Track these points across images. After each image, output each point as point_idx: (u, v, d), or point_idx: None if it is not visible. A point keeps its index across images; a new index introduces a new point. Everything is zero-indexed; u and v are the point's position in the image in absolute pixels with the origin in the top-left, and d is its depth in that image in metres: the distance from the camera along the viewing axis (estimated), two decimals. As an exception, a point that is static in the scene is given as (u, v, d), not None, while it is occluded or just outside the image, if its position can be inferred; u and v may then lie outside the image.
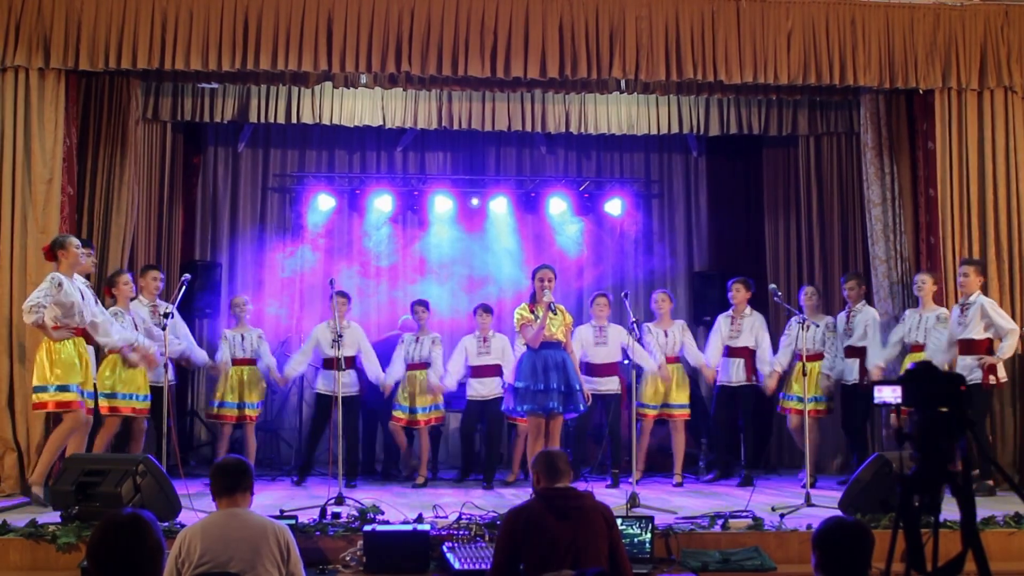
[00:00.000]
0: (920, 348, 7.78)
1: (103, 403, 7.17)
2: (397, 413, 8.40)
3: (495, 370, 8.34)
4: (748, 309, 8.40)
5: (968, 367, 7.37)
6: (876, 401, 2.91)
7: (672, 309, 8.57)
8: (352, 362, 8.29)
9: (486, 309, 8.55)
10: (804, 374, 7.16)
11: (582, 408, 7.21)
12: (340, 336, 7.20)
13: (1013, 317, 7.91)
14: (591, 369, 8.17)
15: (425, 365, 8.39)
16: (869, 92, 8.52)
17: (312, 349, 8.43)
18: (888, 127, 8.64)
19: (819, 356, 8.26)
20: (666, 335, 8.41)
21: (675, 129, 9.48)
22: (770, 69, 7.93)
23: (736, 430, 8.49)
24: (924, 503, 2.73)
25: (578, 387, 7.06)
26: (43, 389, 6.63)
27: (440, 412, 8.52)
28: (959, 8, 8.14)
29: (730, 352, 8.37)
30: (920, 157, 8.49)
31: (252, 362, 8.36)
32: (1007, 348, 7.41)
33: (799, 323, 7.70)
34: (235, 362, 8.32)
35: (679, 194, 11.07)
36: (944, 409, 2.76)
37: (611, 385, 8.25)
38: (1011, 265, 8.05)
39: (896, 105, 8.65)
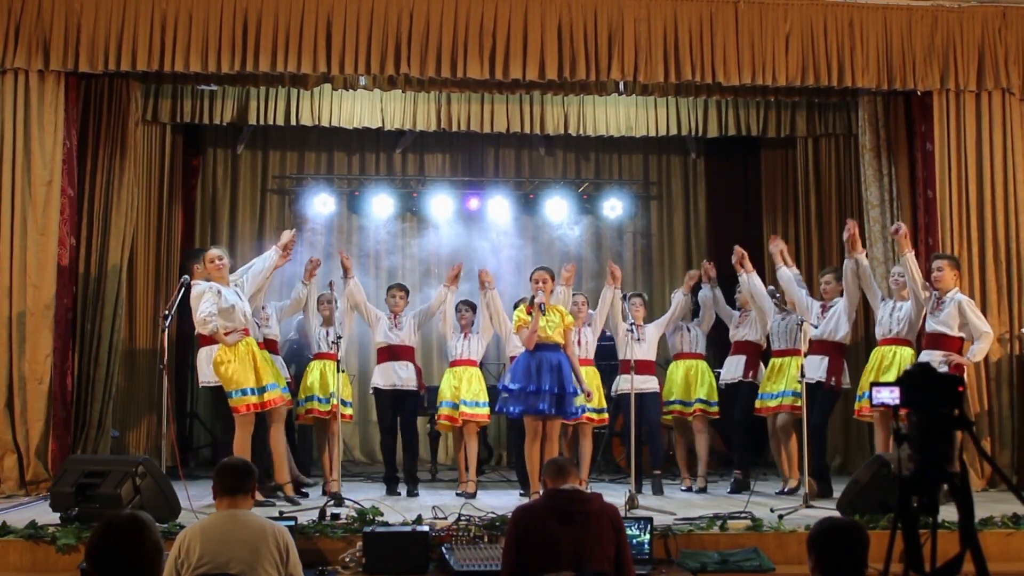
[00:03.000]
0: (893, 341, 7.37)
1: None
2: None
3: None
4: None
5: (934, 363, 6.91)
6: (874, 403, 2.91)
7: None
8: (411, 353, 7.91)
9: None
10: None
11: (574, 411, 7.14)
12: (339, 337, 7.20)
13: (1011, 317, 7.93)
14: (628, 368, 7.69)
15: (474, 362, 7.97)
16: (867, 94, 8.54)
17: (371, 313, 7.88)
18: (886, 129, 8.66)
19: (795, 352, 7.68)
20: (688, 330, 8.28)
21: (673, 131, 9.50)
22: (768, 71, 7.94)
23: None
24: (922, 504, 2.74)
25: (572, 390, 6.98)
26: (244, 392, 6.76)
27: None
28: (957, 10, 8.16)
29: (734, 348, 8.19)
30: (919, 159, 8.50)
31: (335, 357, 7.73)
32: (979, 351, 7.11)
33: (798, 322, 7.66)
34: (319, 356, 7.85)
35: (678, 196, 11.09)
36: (942, 410, 2.78)
37: (649, 384, 7.97)
38: (1009, 266, 8.05)
39: (894, 107, 8.66)
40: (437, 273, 10.31)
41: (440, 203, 10.31)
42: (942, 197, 8.14)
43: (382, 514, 6.02)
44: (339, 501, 6.51)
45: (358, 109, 9.17)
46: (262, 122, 9.17)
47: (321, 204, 10.24)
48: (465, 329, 8.10)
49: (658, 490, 7.73)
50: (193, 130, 9.96)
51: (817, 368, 7.34)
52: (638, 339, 7.58)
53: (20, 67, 7.54)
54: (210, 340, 6.84)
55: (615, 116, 9.39)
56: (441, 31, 7.72)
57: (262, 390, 6.82)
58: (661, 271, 11.02)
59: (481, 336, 7.93)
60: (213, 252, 7.03)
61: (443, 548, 5.36)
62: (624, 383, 7.69)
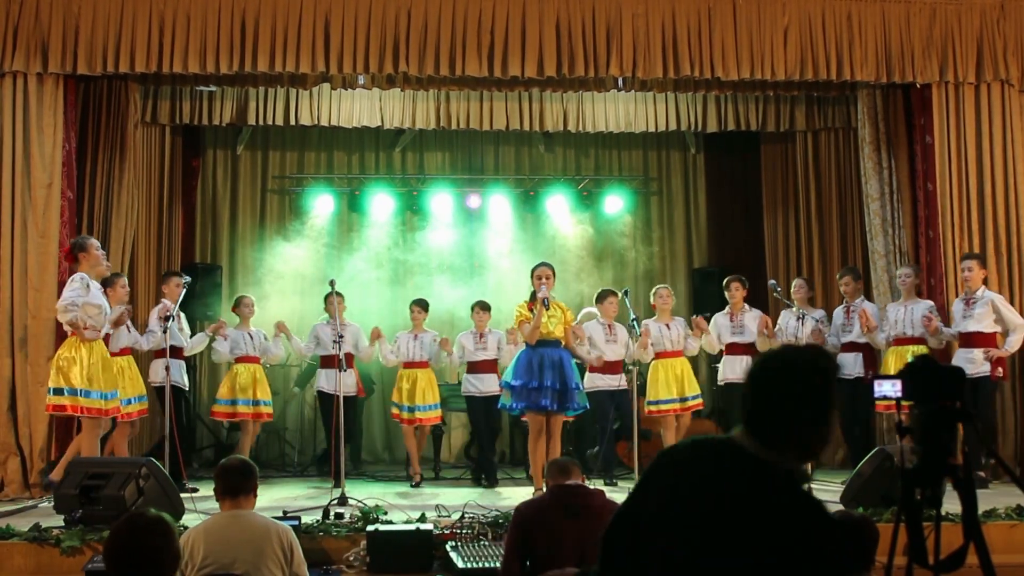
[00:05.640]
0: (908, 341, 7.72)
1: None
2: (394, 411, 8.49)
3: (491, 366, 8.31)
4: (746, 306, 8.37)
5: (974, 360, 7.40)
6: (876, 395, 2.91)
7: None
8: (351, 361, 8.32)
9: (483, 306, 8.52)
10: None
11: (576, 406, 7.16)
12: (341, 336, 7.23)
13: (1013, 310, 7.94)
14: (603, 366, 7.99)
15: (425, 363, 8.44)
16: (866, 87, 8.53)
17: (310, 343, 8.57)
18: (885, 122, 8.64)
19: None
20: (668, 328, 8.37)
21: (673, 126, 9.50)
22: (767, 65, 7.93)
23: None
24: (925, 496, 2.73)
25: (574, 385, 7.01)
26: (77, 393, 6.64)
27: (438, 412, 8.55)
28: (955, 2, 8.14)
29: (731, 349, 8.29)
30: (918, 151, 8.48)
31: (258, 360, 8.45)
32: (1015, 342, 7.52)
33: (797, 317, 7.69)
34: (240, 360, 8.36)
35: (678, 191, 11.09)
36: (945, 402, 2.77)
37: (622, 381, 8.12)
38: (1010, 258, 8.05)
39: (893, 100, 8.64)
40: (437, 271, 10.32)
41: (441, 201, 10.31)
42: (942, 190, 8.13)
43: (386, 513, 6.02)
44: (343, 500, 6.51)
45: (357, 108, 9.16)
46: (261, 122, 9.17)
47: (321, 204, 10.24)
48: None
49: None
50: (192, 131, 9.96)
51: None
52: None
53: (19, 70, 7.54)
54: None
55: (614, 112, 9.38)
56: (439, 29, 7.71)
57: (105, 396, 6.75)
58: (662, 266, 11.00)
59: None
60: (94, 243, 6.95)
61: (447, 546, 5.36)
62: (604, 381, 7.88)
